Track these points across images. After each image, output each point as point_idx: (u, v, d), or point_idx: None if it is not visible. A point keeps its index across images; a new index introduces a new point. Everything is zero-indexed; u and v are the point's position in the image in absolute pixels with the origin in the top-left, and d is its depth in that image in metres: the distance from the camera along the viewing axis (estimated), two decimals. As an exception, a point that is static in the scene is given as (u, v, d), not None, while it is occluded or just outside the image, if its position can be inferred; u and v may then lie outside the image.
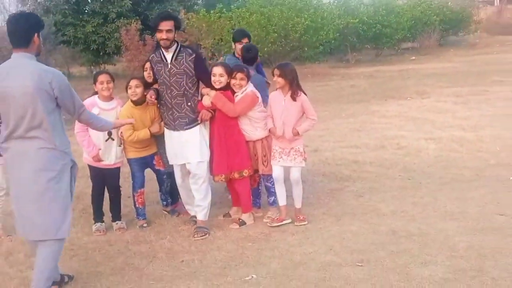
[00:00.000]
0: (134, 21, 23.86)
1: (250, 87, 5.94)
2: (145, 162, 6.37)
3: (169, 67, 5.86)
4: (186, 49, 5.94)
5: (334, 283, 4.59)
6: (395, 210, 6.30)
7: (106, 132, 5.92)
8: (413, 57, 27.04)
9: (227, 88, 5.88)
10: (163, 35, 5.70)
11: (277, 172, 5.93)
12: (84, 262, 5.26)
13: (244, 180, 6.04)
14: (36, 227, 4.32)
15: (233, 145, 5.95)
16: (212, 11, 22.53)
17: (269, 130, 5.98)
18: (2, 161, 5.55)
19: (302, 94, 5.97)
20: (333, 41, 24.18)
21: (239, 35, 7.17)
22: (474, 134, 9.77)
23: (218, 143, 5.94)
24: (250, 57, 6.61)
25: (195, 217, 6.10)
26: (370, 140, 9.63)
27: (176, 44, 5.87)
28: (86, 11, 25.41)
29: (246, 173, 5.98)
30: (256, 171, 6.20)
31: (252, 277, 4.83)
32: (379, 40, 26.94)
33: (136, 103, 6.06)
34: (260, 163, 6.03)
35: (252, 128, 5.96)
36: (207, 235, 5.86)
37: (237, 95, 5.88)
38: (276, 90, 6.04)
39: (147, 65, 6.20)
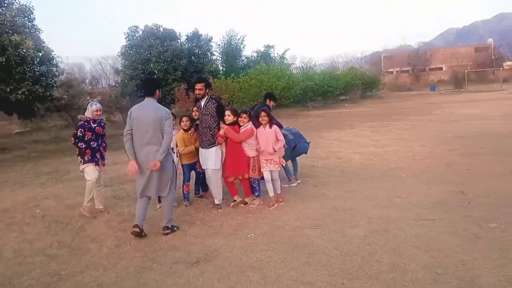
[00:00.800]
0: (183, 84, 23.95)
1: (250, 124, 5.80)
2: (192, 166, 6.33)
3: (201, 110, 5.86)
4: (212, 100, 5.87)
5: (300, 239, 4.58)
6: (336, 195, 6.24)
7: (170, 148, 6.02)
8: (346, 104, 27.06)
9: (235, 124, 5.78)
10: (197, 91, 5.83)
11: (266, 175, 5.81)
12: (153, 225, 5.24)
13: (245, 180, 5.93)
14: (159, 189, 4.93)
15: (238, 158, 5.81)
16: (228, 78, 22.57)
17: (256, 150, 5.84)
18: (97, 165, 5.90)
19: (274, 125, 5.93)
20: (298, 95, 24.21)
21: (269, 96, 7.41)
22: (382, 150, 9.70)
23: (230, 157, 5.84)
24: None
25: (218, 205, 5.98)
26: (321, 153, 9.62)
27: (207, 96, 5.85)
28: (154, 77, 25.46)
29: (246, 176, 5.87)
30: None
31: (252, 235, 4.82)
32: (326, 94, 27.06)
33: (185, 130, 6.19)
34: (251, 171, 5.86)
35: (249, 149, 5.82)
36: (220, 209, 5.83)
37: (242, 128, 5.78)
38: (260, 125, 5.85)
39: (194, 108, 6.22)
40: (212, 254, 4.32)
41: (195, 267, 4.05)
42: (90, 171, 5.82)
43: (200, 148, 6.00)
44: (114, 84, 29.75)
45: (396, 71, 52.68)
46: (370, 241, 4.37)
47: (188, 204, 6.21)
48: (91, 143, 5.87)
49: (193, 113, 6.32)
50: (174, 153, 6.11)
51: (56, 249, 4.76)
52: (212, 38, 29.17)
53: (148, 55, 25.90)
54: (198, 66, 27.42)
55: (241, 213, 5.65)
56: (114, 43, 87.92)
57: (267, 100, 7.34)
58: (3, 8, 14.37)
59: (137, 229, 4.83)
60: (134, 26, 27.76)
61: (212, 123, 5.82)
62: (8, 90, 13.65)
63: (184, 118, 6.29)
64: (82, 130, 5.82)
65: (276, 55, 33.57)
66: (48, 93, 15.32)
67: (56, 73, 16.37)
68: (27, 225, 5.72)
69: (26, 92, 13.96)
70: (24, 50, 13.72)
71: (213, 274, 3.85)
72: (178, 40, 27.91)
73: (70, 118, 19.02)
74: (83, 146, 5.82)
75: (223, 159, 5.92)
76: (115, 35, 77.47)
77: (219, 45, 30.52)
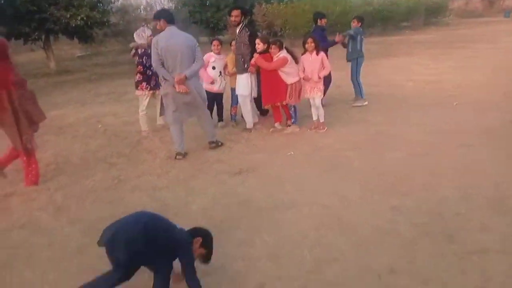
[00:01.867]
0: (235, 10, 23.55)
1: (283, 53, 5.73)
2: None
3: (236, 37, 6.02)
4: (246, 28, 5.89)
5: (339, 159, 4.80)
6: (381, 121, 6.28)
7: (219, 71, 6.30)
8: (407, 31, 25.51)
9: (267, 52, 5.73)
10: (233, 19, 5.90)
11: (311, 100, 5.95)
12: (201, 141, 5.63)
13: (283, 106, 5.98)
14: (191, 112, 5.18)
15: (274, 86, 5.79)
16: (281, 3, 21.92)
17: (304, 78, 5.81)
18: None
19: (322, 52, 5.86)
20: (356, 21, 23.15)
21: (318, 16, 7.27)
22: (437, 77, 9.33)
23: (265, 85, 5.89)
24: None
25: (249, 129, 6.15)
26: (372, 80, 9.33)
27: (242, 24, 5.87)
28: (207, 4, 25.17)
29: (280, 103, 5.91)
30: None
31: (292, 153, 5.10)
32: (385, 20, 25.57)
33: (217, 54, 6.35)
34: (287, 97, 5.82)
35: (285, 76, 5.75)
36: (250, 132, 6.02)
37: (274, 58, 5.72)
38: (305, 52, 5.86)
39: (233, 42, 6.26)
40: (254, 167, 4.67)
41: (237, 176, 4.44)
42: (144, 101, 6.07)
43: (236, 74, 6.14)
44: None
45: (468, -5, 48.08)
46: (408, 163, 4.52)
47: (234, 125, 6.52)
48: (147, 71, 5.95)
49: (213, 47, 6.34)
50: (222, 76, 6.38)
51: (116, 158, 5.34)
52: (267, -40, 27.88)
53: (201, -20, 25.37)
54: (251, -10, 26.58)
55: (285, 135, 5.88)
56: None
57: (318, 20, 7.25)
58: None
59: (180, 156, 5.10)
60: None
61: (244, 51, 5.87)
62: (68, 16, 14.25)
63: (215, 42, 6.37)
64: (146, 58, 5.85)
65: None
66: (105, 19, 15.80)
67: (112, 0, 16.74)
68: (90, 138, 6.36)
69: (85, 18, 14.52)
70: (82, -23, 14.06)
71: (253, 183, 4.22)
72: (232, -37, 26.95)
73: (127, 43, 19.65)
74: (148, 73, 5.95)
75: (261, 87, 5.99)
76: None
77: (273, -33, 29.18)
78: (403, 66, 11.43)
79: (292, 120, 6.08)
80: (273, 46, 5.74)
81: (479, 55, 12.74)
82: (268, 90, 5.90)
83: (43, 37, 15.72)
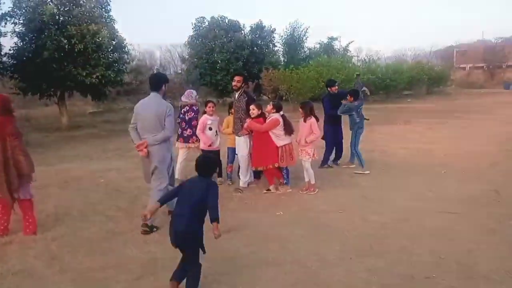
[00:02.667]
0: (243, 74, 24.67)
1: (276, 115, 6.09)
2: (234, 149, 6.83)
3: (235, 102, 6.49)
4: (244, 94, 6.37)
5: (323, 220, 5.03)
6: (369, 185, 6.56)
7: (215, 131, 6.69)
8: (409, 100, 26.31)
9: (261, 117, 6.13)
10: (234, 83, 6.39)
11: (303, 163, 6.25)
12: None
13: (271, 169, 6.16)
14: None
15: (264, 149, 6.08)
16: (286, 69, 22.97)
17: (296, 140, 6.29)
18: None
19: (312, 118, 6.17)
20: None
21: (328, 84, 8.01)
22: (430, 146, 9.70)
23: (256, 148, 6.21)
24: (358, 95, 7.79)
25: (240, 188, 6.40)
26: (366, 146, 9.63)
27: (241, 89, 6.38)
28: (217, 68, 26.44)
29: (272, 165, 6.11)
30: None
31: (281, 213, 5.33)
32: (388, 88, 26.49)
33: (211, 115, 6.72)
34: (279, 160, 6.11)
35: (276, 139, 6.06)
36: (241, 192, 6.23)
37: (267, 119, 6.14)
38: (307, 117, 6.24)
39: (210, 104, 6.78)
40: (243, 225, 4.90)
41: (226, 234, 4.62)
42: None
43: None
44: (180, 71, 31.30)
45: (469, 67, 49.92)
46: (388, 227, 4.73)
47: (230, 183, 6.81)
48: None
49: (208, 108, 6.68)
50: (218, 135, 6.80)
51: (114, 212, 5.60)
52: (275, 30, 29.56)
53: (213, 45, 26.85)
54: (259, 56, 27.98)
55: (276, 195, 6.15)
56: (183, 31, 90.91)
57: (328, 88, 7.94)
58: (83, 0, 15.85)
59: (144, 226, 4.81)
60: (201, 17, 28.87)
61: (242, 115, 6.30)
62: (84, 74, 15.14)
63: (210, 104, 6.77)
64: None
65: (340, 47, 33.33)
66: (119, 78, 16.70)
67: (127, 60, 17.76)
68: (92, 191, 6.66)
69: (100, 77, 15.40)
70: (100, 38, 15.10)
71: (240, 241, 4.43)
72: (242, 32, 28.61)
73: (137, 102, 20.57)
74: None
75: (251, 150, 6.34)
76: (185, 23, 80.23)
77: (281, 36, 30.80)
78: (399, 134, 11.86)
79: (284, 181, 6.34)
80: (271, 104, 6.20)
81: (474, 125, 13.19)
82: (259, 152, 6.17)
83: (58, 93, 16.59)
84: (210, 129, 6.70)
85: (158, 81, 4.96)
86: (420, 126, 13.47)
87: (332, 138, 7.83)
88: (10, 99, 4.73)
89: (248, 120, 6.13)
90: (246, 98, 6.36)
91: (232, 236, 4.59)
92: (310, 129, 6.15)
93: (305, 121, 6.21)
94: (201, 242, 3.37)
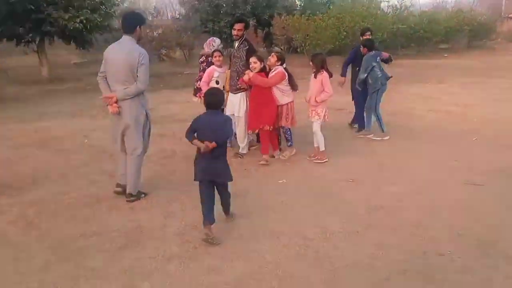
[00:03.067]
0: (251, 20, 24.41)
1: (280, 68, 6.04)
2: None
3: (234, 52, 6.40)
4: (245, 42, 6.27)
5: (331, 190, 5.18)
6: (387, 152, 6.65)
7: (222, 86, 6.53)
8: (446, 55, 25.87)
9: (263, 71, 6.05)
10: (235, 32, 6.25)
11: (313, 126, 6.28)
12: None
13: (267, 132, 6.13)
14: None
15: (263, 108, 6.04)
16: (303, 15, 22.60)
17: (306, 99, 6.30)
18: None
19: (324, 72, 6.09)
20: (387, 40, 23.65)
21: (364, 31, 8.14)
22: (462, 109, 9.68)
23: (253, 107, 6.15)
24: (373, 46, 7.43)
25: (240, 154, 6.51)
26: (390, 108, 9.47)
27: (242, 38, 6.29)
28: (221, 12, 26.07)
29: (269, 127, 6.08)
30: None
31: (284, 181, 5.50)
32: (421, 41, 26.03)
33: (218, 66, 6.65)
34: (283, 120, 6.15)
35: (281, 95, 6.06)
36: (241, 158, 6.38)
37: (271, 72, 6.06)
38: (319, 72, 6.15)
39: (216, 53, 6.63)
40: (241, 193, 5.05)
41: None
42: None
43: (229, 92, 6.46)
44: (178, 16, 30.91)
45: (521, 16, 48.54)
46: (404, 199, 4.86)
47: (229, 145, 6.87)
48: None
49: (214, 58, 6.64)
50: (224, 90, 6.64)
51: (98, 176, 5.80)
52: (291, -34, 28.91)
53: (216, -15, 26.41)
54: (271, -1, 27.51)
55: (279, 161, 6.28)
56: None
57: (363, 35, 8.05)
58: None
59: (117, 189, 5.03)
60: (204, -50, 28.24)
61: (240, 67, 6.21)
62: (66, 17, 15.08)
63: (217, 54, 6.63)
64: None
65: (367, -10, 32.54)
66: (106, 23, 16.62)
67: (116, 2, 17.60)
68: (74, 153, 6.86)
69: (84, 21, 15.33)
70: (84, -26, 14.95)
71: (237, 210, 4.57)
72: (252, -31, 27.99)
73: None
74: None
75: (247, 110, 6.28)
76: (185, -41, 78.12)
77: (298, -26, 30.18)
78: (429, 95, 11.79)
79: (289, 143, 6.47)
80: (272, 54, 6.11)
81: (517, 87, 13.05)
82: (257, 113, 6.12)
83: (37, 39, 16.58)
84: (217, 82, 6.61)
85: (131, 22, 4.73)
86: (455, 86, 13.36)
87: (362, 101, 7.63)
88: None
89: (248, 73, 5.97)
90: (247, 47, 6.29)
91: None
92: (322, 86, 6.12)
93: (315, 76, 6.17)
94: (229, 172, 4.22)
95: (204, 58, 7.10)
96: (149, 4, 40.18)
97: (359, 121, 7.90)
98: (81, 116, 9.84)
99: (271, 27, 24.95)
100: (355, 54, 7.77)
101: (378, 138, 7.38)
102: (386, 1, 30.62)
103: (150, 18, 22.90)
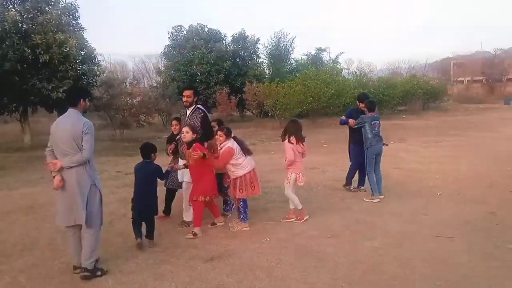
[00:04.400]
0: (225, 87, 25.11)
1: (229, 143, 5.79)
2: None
3: (186, 119, 6.06)
4: (199, 110, 6.04)
5: (313, 246, 5.19)
6: (361, 208, 6.76)
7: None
8: (404, 116, 26.92)
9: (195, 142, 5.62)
10: (185, 99, 6.07)
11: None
12: (174, 222, 6.02)
13: (199, 203, 5.68)
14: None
15: (200, 178, 5.70)
16: (272, 83, 23.32)
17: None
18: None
19: (290, 138, 6.20)
20: (350, 104, 24.51)
21: (363, 97, 7.76)
22: (425, 167, 10.03)
23: (192, 178, 5.80)
24: (373, 107, 7.39)
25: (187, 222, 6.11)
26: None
27: (194, 105, 6.07)
28: (197, 80, 26.71)
29: (204, 198, 5.67)
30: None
31: (267, 239, 5.48)
32: (381, 104, 26.98)
33: (175, 135, 6.55)
34: (237, 191, 5.87)
35: (234, 170, 5.84)
36: (187, 226, 5.95)
37: (220, 148, 5.85)
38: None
39: (174, 122, 6.58)
40: (227, 253, 5.04)
41: (209, 263, 4.78)
42: None
43: (180, 159, 6.19)
44: (155, 84, 31.45)
45: (468, 80, 51.48)
46: (381, 253, 4.92)
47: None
48: None
49: (172, 128, 6.54)
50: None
51: (86, 240, 5.65)
52: (259, 40, 30.19)
53: (191, 56, 27.25)
54: (242, 69, 28.46)
55: (262, 220, 6.30)
56: (159, 41, 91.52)
57: (359, 102, 7.80)
58: (49, 6, 15.97)
59: (76, 271, 4.57)
60: (179, 25, 29.32)
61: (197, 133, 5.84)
62: (50, 87, 15.16)
63: (174, 122, 6.57)
64: None
65: (329, 59, 34.11)
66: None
67: (97, 72, 17.86)
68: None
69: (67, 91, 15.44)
70: (67, 49, 15.20)
71: (224, 270, 4.56)
72: (223, 41, 29.10)
73: (109, 118, 20.48)
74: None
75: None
76: (160, 33, 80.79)
77: (266, 47, 31.43)
78: (393, 153, 12.10)
79: (241, 216, 6.02)
80: (218, 133, 5.80)
81: (472, 144, 13.65)
82: (193, 183, 5.80)
83: (21, 109, 16.51)
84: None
85: (76, 95, 4.64)
86: (415, 144, 13.88)
87: (356, 157, 7.75)
88: None
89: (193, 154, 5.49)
90: (202, 114, 6.05)
91: (215, 265, 4.71)
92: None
93: (282, 140, 6.34)
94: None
95: None
96: (126, 73, 40.87)
97: (347, 176, 8.06)
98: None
99: (243, 94, 25.61)
100: (351, 114, 7.82)
101: (368, 200, 7.24)
102: (347, 69, 32.12)
103: (128, 86, 23.09)
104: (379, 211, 6.60)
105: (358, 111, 7.76)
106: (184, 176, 6.09)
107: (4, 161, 13.20)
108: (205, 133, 5.98)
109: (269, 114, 24.44)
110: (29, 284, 4.37)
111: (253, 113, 28.78)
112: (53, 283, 4.40)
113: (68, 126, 4.38)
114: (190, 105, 6.06)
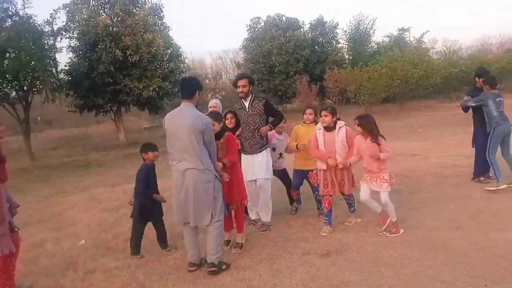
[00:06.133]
0: (305, 76, 24.67)
1: (344, 127, 5.17)
2: (304, 173, 5.87)
3: (247, 111, 5.52)
4: (259, 98, 5.62)
5: (437, 239, 4.72)
6: (482, 196, 6.14)
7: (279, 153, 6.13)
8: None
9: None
10: (240, 89, 5.47)
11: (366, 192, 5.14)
12: (282, 216, 5.80)
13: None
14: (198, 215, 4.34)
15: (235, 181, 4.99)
16: (355, 67, 22.54)
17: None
18: None
19: (343, 127, 5.19)
20: (439, 84, 23.06)
21: (482, 72, 6.99)
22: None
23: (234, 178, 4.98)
24: (494, 83, 6.65)
25: (255, 220, 5.77)
26: (466, 151, 9.19)
27: (251, 95, 5.56)
28: (276, 71, 26.55)
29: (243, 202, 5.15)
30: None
31: (384, 233, 5.06)
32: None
33: (231, 129, 5.33)
34: (322, 186, 5.23)
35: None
36: (269, 230, 5.49)
37: (331, 131, 5.15)
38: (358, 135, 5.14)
39: (229, 115, 5.49)
40: (342, 248, 4.71)
41: (326, 258, 4.49)
42: None
43: (244, 155, 5.63)
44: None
45: None
46: (521, 246, 4.34)
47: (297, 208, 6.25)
48: None
49: (227, 121, 5.41)
50: (282, 157, 6.19)
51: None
52: (338, 24, 29.43)
53: (270, 47, 27.12)
54: (322, 56, 27.90)
55: (371, 212, 5.85)
56: (235, 36, 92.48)
57: (477, 79, 6.99)
58: (137, 8, 16.56)
59: (192, 268, 4.46)
60: (256, 17, 29.37)
61: (261, 123, 5.51)
62: (141, 86, 15.75)
63: (229, 115, 5.52)
64: None
65: (412, 39, 32.34)
66: (176, 89, 17.24)
67: (184, 70, 18.30)
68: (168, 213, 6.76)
69: (157, 89, 15.95)
70: (155, 48, 15.71)
71: (344, 266, 4.24)
72: (301, 29, 28.71)
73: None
74: None
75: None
76: (237, 28, 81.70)
77: (345, 31, 30.51)
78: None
79: (351, 208, 5.62)
80: (323, 113, 5.13)
81: None
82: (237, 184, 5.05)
83: (114, 108, 17.36)
84: (274, 149, 6.06)
85: (191, 86, 4.46)
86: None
87: (482, 142, 6.72)
88: None
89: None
90: (264, 101, 5.60)
91: (333, 261, 4.41)
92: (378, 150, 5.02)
93: (373, 141, 5.05)
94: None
95: None
96: (205, 70, 41.75)
97: (476, 167, 7.01)
98: (163, 176, 9.87)
99: (323, 81, 25.04)
100: (472, 95, 6.91)
101: (492, 188, 6.31)
102: (432, 48, 30.24)
103: (211, 82, 23.53)
104: (503, 199, 5.92)
105: (479, 89, 6.88)
106: (260, 171, 5.53)
107: (103, 159, 13.90)
108: (274, 120, 5.65)
109: (352, 100, 23.67)
110: (148, 281, 4.35)
111: (333, 101, 28.09)
112: (171, 279, 4.35)
113: (187, 120, 4.17)
114: (246, 95, 5.52)
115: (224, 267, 4.42)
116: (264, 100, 5.62)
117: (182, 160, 4.24)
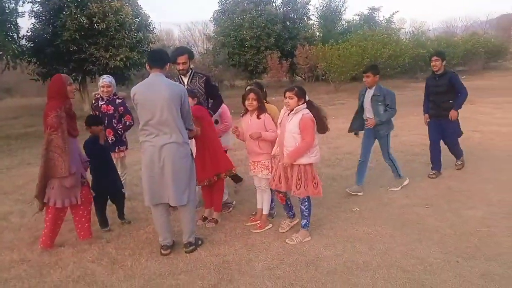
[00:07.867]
0: (275, 52, 24.45)
1: (307, 112, 4.21)
2: None
3: (185, 87, 4.60)
4: (199, 74, 5.16)
5: (409, 216, 4.81)
6: (450, 175, 6.28)
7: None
8: (464, 76, 25.32)
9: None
10: (180, 66, 4.97)
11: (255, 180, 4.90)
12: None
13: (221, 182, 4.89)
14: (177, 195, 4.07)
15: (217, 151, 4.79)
16: (325, 45, 22.51)
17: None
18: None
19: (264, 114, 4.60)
20: (407, 64, 23.40)
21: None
22: (506, 129, 9.31)
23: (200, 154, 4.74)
24: None
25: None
26: None
27: (191, 71, 5.09)
28: (246, 45, 26.17)
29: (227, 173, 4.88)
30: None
31: (357, 209, 5.14)
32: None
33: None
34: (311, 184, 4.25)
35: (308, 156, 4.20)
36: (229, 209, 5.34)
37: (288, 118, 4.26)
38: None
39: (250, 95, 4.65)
40: (316, 223, 4.71)
41: (299, 233, 4.48)
42: None
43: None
44: (204, 51, 31.19)
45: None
46: (489, 224, 4.46)
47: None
48: None
49: (247, 101, 4.62)
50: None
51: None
52: (310, 1, 29.13)
53: (241, 21, 26.62)
54: (293, 31, 27.62)
55: (343, 188, 5.90)
56: (204, 8, 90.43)
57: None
58: (104, -27, 15.82)
59: (166, 251, 4.19)
60: (228, -12, 28.67)
61: (200, 103, 4.89)
62: (107, 56, 15.20)
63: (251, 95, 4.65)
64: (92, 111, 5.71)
65: (382, 18, 32.50)
66: (144, 60, 16.73)
67: (152, 40, 17.77)
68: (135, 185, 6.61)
69: (124, 59, 15.44)
70: (122, 16, 15.11)
71: (319, 242, 4.25)
72: (273, 4, 28.31)
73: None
74: None
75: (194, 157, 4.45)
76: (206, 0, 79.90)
77: (317, 8, 30.37)
78: (466, 116, 11.31)
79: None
80: (287, 94, 4.19)
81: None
82: (211, 157, 4.77)
83: (79, 78, 16.72)
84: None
85: (162, 56, 4.16)
86: (487, 106, 12.94)
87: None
88: (64, 81, 4.36)
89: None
90: (204, 78, 5.15)
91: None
92: (264, 127, 4.60)
93: (258, 116, 4.60)
94: None
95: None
96: (173, 41, 40.78)
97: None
98: (131, 149, 9.65)
99: (294, 57, 24.94)
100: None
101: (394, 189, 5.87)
102: (403, 28, 30.55)
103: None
104: (470, 178, 6.09)
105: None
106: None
107: (69, 130, 13.39)
108: (215, 102, 5.18)
109: (322, 78, 23.72)
110: (119, 255, 4.23)
111: (302, 77, 28.09)
112: (143, 254, 4.24)
113: (163, 89, 3.88)
114: (187, 72, 5.06)
115: (200, 242, 4.35)
116: (205, 77, 5.17)
117: (160, 134, 3.94)
